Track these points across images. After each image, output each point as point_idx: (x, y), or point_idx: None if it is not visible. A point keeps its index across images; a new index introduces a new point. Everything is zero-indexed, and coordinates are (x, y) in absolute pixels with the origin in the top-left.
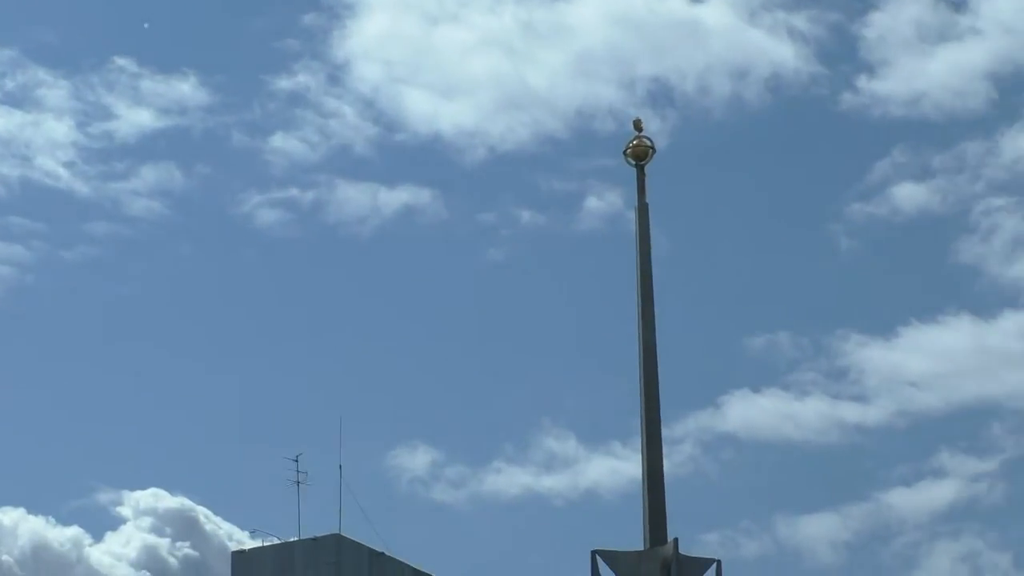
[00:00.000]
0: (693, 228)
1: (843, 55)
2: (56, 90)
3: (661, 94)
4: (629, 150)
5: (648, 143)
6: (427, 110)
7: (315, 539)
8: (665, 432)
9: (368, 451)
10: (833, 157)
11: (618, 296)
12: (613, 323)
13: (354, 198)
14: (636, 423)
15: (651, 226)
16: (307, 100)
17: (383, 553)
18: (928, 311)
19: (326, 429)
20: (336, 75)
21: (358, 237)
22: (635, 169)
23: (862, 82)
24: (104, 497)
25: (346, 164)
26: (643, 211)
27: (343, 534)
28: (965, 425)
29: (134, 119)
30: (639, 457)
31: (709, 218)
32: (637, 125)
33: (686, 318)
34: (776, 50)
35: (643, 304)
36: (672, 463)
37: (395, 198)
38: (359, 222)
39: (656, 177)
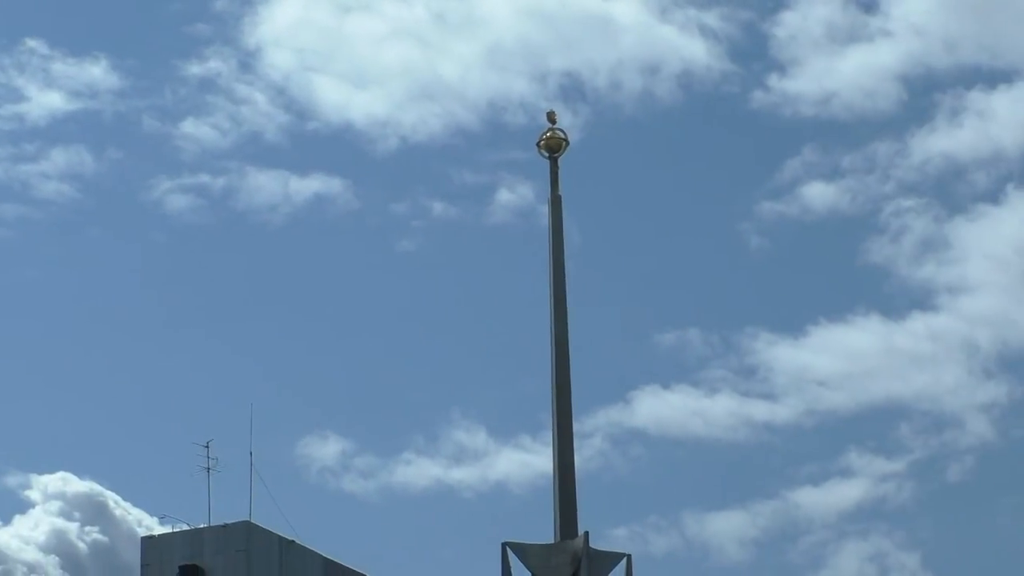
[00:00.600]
0: (604, 223)
1: (754, 53)
2: None
3: (573, 88)
4: (543, 142)
5: (562, 135)
6: (339, 99)
7: (225, 526)
8: (575, 426)
9: (279, 439)
10: (744, 155)
11: (530, 290)
12: (524, 316)
13: (265, 186)
14: (546, 417)
15: (563, 219)
16: (218, 86)
17: (293, 541)
18: (837, 311)
19: (237, 416)
20: (247, 62)
21: (269, 225)
22: (548, 161)
23: (773, 81)
24: (12, 480)
25: (257, 151)
26: (556, 204)
27: (253, 521)
28: (873, 425)
29: (45, 102)
30: (549, 451)
31: (620, 214)
32: (551, 117)
33: (597, 313)
34: (688, 47)
35: (555, 298)
36: (581, 458)
37: (306, 187)
38: (270, 210)
39: (567, 171)
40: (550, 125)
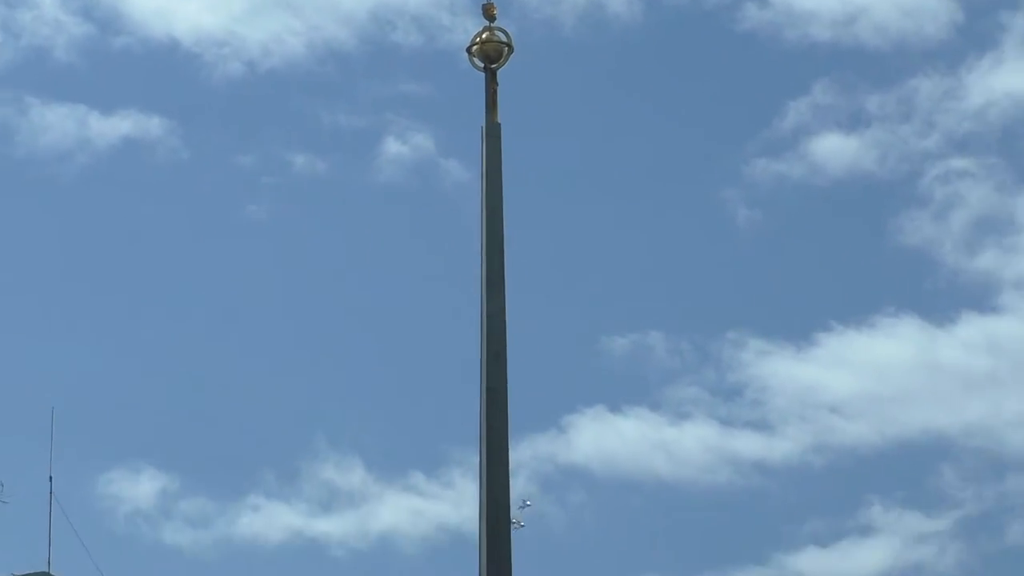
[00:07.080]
0: (535, 191)
1: None
2: None
3: None
4: (476, 47)
5: (503, 38)
6: (159, 5)
7: None
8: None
9: (77, 472)
10: (729, 95)
11: (428, 272)
12: (421, 311)
13: (54, 125)
14: (446, 449)
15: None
16: None
17: None
18: (857, 311)
19: (33, 442)
20: None
21: (57, 180)
22: (484, 74)
23: None
24: None
25: (42, 77)
26: (494, 135)
27: (52, 573)
28: (906, 468)
29: None
30: (448, 494)
31: (556, 176)
32: (488, 11)
33: (521, 307)
34: None
35: (489, 277)
36: None
37: (112, 127)
38: (60, 159)
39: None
40: (487, 23)
